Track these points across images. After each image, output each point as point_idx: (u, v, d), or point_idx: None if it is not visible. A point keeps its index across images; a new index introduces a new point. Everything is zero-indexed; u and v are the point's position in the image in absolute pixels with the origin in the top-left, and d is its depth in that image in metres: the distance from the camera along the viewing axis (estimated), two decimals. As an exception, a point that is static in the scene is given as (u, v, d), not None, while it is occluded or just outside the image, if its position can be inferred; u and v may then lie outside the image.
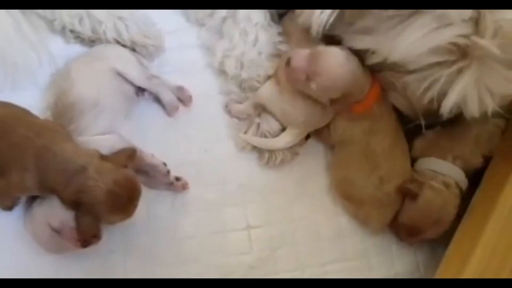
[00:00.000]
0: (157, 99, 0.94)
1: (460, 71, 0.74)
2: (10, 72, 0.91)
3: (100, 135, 0.85)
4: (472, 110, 0.77)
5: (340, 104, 0.86)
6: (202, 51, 0.99)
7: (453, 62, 0.74)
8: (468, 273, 0.78)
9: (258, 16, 0.93)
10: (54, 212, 0.79)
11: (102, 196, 0.77)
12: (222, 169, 0.95)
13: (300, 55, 0.85)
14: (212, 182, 0.93)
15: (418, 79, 0.78)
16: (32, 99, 0.90)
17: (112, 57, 0.90)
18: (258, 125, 0.94)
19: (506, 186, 0.83)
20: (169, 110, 0.94)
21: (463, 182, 0.91)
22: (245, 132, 0.93)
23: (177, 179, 0.89)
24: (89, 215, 0.77)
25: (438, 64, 0.75)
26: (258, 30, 0.93)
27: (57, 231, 0.80)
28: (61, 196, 0.78)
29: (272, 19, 0.96)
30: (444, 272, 0.85)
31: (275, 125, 0.94)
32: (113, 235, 0.86)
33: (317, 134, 0.95)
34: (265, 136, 0.93)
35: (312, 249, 0.93)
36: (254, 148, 0.94)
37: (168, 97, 0.93)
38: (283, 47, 0.95)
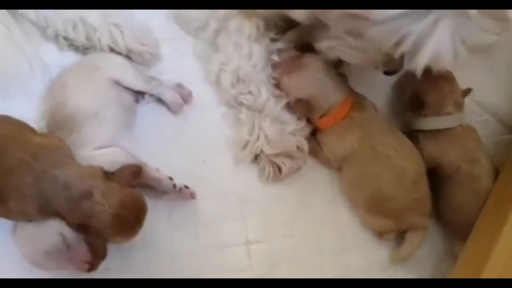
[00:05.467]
0: (159, 101, 0.93)
1: (436, 22, 0.69)
2: (3, 81, 0.90)
3: (101, 148, 0.83)
4: (445, 63, 0.72)
5: (303, 108, 0.91)
6: (198, 60, 0.98)
7: (426, 12, 0.69)
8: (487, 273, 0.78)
9: (249, 28, 0.93)
10: (45, 235, 0.77)
11: (109, 220, 0.76)
12: (221, 181, 0.93)
13: (289, 54, 0.94)
14: (210, 195, 0.91)
15: (387, 32, 0.72)
16: (24, 109, 0.88)
17: (107, 65, 0.89)
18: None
19: None
20: (174, 109, 0.94)
21: None
22: (245, 145, 0.92)
23: (186, 187, 0.88)
24: (98, 238, 0.76)
25: (408, 15, 0.69)
26: (251, 43, 0.93)
27: (55, 252, 0.77)
28: (66, 220, 0.76)
29: (268, 27, 0.95)
30: (462, 272, 0.85)
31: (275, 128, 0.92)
32: (108, 252, 0.82)
33: (320, 162, 0.94)
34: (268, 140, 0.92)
35: (314, 265, 0.92)
36: (254, 160, 0.93)
37: (170, 95, 0.93)
38: (277, 57, 0.94)
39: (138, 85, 0.90)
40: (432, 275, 0.94)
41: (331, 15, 0.77)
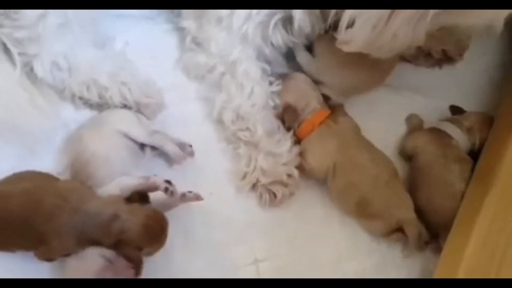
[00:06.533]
0: (163, 153, 1.02)
1: None
2: (28, 140, 0.99)
3: (112, 182, 0.94)
4: None
5: (289, 113, 1.03)
6: (201, 102, 1.09)
7: None
8: (464, 269, 0.85)
9: (254, 71, 1.03)
10: (89, 262, 0.87)
11: (139, 231, 0.86)
12: (226, 209, 1.03)
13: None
14: (219, 222, 1.01)
15: None
16: (50, 163, 1.00)
17: (115, 120, 0.99)
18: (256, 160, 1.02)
19: (492, 182, 0.91)
20: (175, 160, 1.02)
21: None
22: (244, 176, 1.02)
23: (189, 191, 0.95)
24: (133, 249, 0.86)
25: None
26: (254, 84, 1.02)
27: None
28: (103, 243, 0.86)
29: (264, 72, 1.05)
30: (441, 271, 0.91)
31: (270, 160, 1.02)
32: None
33: (306, 173, 1.04)
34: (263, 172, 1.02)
35: (316, 275, 1.00)
36: (252, 188, 1.03)
37: (171, 148, 1.01)
38: (274, 99, 1.05)
39: (142, 138, 0.99)
40: (421, 274, 1.01)
41: None
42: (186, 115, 1.08)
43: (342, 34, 0.88)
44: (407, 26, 0.81)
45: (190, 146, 1.03)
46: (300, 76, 1.06)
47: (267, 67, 1.05)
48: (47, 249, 0.88)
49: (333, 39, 0.91)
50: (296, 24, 0.97)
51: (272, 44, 1.01)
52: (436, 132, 1.05)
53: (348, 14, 0.85)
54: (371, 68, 1.02)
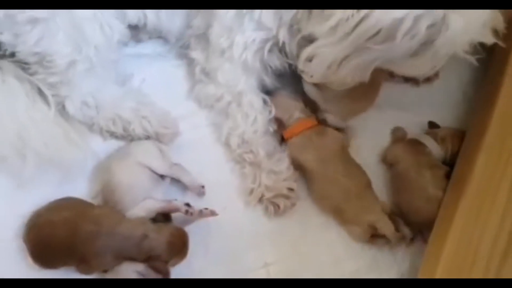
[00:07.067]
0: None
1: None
2: (64, 169, 1.10)
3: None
4: None
5: (277, 125, 1.17)
6: (210, 128, 1.20)
7: None
8: (442, 268, 0.92)
9: (257, 102, 1.14)
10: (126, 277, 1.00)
11: (165, 247, 0.98)
12: (237, 221, 1.14)
13: None
14: (232, 232, 1.12)
15: None
16: (83, 189, 1.11)
17: (139, 153, 1.10)
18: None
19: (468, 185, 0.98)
20: (193, 190, 1.13)
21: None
22: (251, 192, 1.14)
23: (205, 208, 1.06)
24: (161, 263, 0.99)
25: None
26: (257, 113, 1.14)
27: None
28: (136, 260, 0.98)
29: (265, 103, 1.16)
30: (424, 270, 0.99)
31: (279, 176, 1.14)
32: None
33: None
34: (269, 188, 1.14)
35: (318, 275, 1.10)
36: (259, 202, 1.14)
37: (188, 180, 1.12)
38: (273, 126, 1.17)
39: (162, 170, 1.09)
40: (409, 270, 1.10)
41: None
42: (198, 140, 1.19)
43: (301, 66, 1.00)
44: (354, 71, 0.95)
45: (203, 187, 1.13)
46: (282, 93, 1.18)
47: (267, 98, 1.16)
48: (88, 267, 1.00)
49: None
50: (287, 48, 1.06)
51: (270, 67, 1.12)
52: (412, 143, 1.15)
53: (307, 51, 0.97)
54: (364, 94, 1.15)
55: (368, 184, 1.13)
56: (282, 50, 1.09)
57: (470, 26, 0.86)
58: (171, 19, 1.16)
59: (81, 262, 1.00)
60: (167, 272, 1.00)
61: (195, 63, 1.18)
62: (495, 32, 0.91)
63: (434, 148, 1.14)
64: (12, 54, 1.07)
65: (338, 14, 0.87)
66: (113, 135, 1.16)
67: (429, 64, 0.93)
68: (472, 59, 0.92)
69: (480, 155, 1.01)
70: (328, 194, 1.12)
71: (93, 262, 0.99)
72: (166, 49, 1.27)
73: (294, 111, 1.16)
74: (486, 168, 1.00)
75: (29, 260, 1.03)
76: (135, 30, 1.21)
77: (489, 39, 0.90)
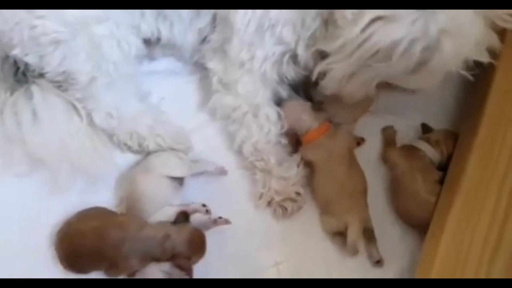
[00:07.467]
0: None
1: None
2: (91, 179, 1.17)
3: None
4: None
5: (288, 136, 1.24)
6: (221, 138, 1.27)
7: None
8: (438, 262, 0.96)
9: (272, 115, 1.20)
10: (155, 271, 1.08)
11: (186, 245, 1.05)
12: (248, 223, 1.21)
13: None
14: (244, 235, 1.19)
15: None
16: (106, 198, 1.18)
17: (159, 166, 1.17)
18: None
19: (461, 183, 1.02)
20: (219, 173, 1.20)
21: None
22: (261, 196, 1.22)
23: (220, 217, 1.13)
24: (183, 260, 1.06)
25: None
26: (271, 125, 1.20)
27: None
28: (161, 260, 1.05)
29: (279, 116, 1.22)
30: (421, 267, 1.03)
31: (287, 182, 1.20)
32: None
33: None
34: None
35: (325, 271, 1.17)
36: (268, 205, 1.21)
37: (211, 166, 1.21)
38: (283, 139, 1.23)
39: (183, 174, 1.17)
40: (408, 267, 1.16)
41: None
42: (210, 150, 1.26)
43: (315, 79, 1.07)
44: (361, 85, 1.04)
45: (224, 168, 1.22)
46: (290, 105, 1.23)
47: (281, 112, 1.22)
48: (117, 270, 1.07)
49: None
50: (301, 60, 1.12)
51: (286, 78, 1.17)
52: (407, 148, 1.21)
53: (321, 67, 1.04)
54: (363, 101, 1.16)
55: (364, 191, 1.19)
56: (296, 61, 1.14)
57: (463, 47, 0.93)
58: (183, 34, 1.21)
59: (111, 266, 1.07)
60: (190, 268, 1.07)
61: (211, 73, 1.21)
62: (490, 50, 0.97)
63: (430, 152, 1.19)
64: (42, 74, 1.14)
65: (346, 34, 0.95)
66: (129, 148, 1.22)
67: (427, 80, 1.01)
68: (467, 75, 0.99)
69: (471, 155, 1.05)
70: (325, 185, 1.18)
71: (122, 266, 1.06)
72: (178, 65, 1.33)
73: (304, 122, 1.22)
74: (477, 168, 1.04)
75: (59, 266, 1.11)
76: (149, 47, 1.26)
77: (484, 58, 0.97)
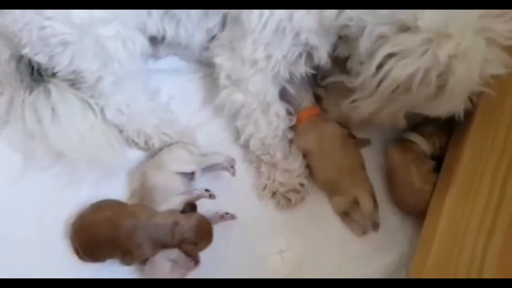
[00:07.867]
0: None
1: None
2: (104, 172, 1.21)
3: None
4: None
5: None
6: (225, 133, 1.30)
7: None
8: (435, 249, 0.99)
9: (282, 111, 1.23)
10: (160, 266, 1.12)
11: (194, 230, 1.10)
12: (253, 213, 1.25)
13: None
14: (250, 224, 1.23)
15: None
16: (118, 191, 1.22)
17: (170, 162, 1.19)
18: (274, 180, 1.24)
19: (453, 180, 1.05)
20: (227, 163, 1.21)
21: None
22: (265, 188, 1.25)
23: (226, 213, 1.17)
24: (191, 247, 1.11)
25: None
26: (279, 121, 1.23)
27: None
28: (170, 246, 1.10)
29: (288, 112, 1.26)
30: (419, 254, 1.06)
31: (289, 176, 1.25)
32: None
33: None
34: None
35: (327, 259, 1.23)
36: (272, 196, 1.25)
37: (221, 158, 1.21)
38: (290, 134, 1.28)
39: (193, 169, 1.19)
40: (408, 253, 1.21)
41: None
42: (215, 145, 1.28)
43: (346, 106, 1.13)
44: (389, 117, 1.10)
45: (233, 159, 1.23)
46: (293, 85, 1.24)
47: (290, 108, 1.26)
48: (131, 257, 1.11)
49: (338, 93, 1.17)
50: (316, 59, 1.14)
51: (296, 77, 1.19)
52: (401, 141, 1.23)
53: (346, 105, 1.11)
54: None
55: (362, 166, 1.24)
56: (309, 60, 1.17)
57: (473, 66, 0.97)
58: (190, 33, 1.22)
59: (125, 253, 1.11)
60: (197, 256, 1.12)
61: (219, 69, 1.21)
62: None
63: (423, 144, 1.22)
64: (54, 74, 1.17)
65: (364, 71, 1.02)
66: (137, 145, 1.25)
67: (451, 103, 1.04)
68: (490, 91, 1.02)
69: (466, 143, 1.08)
70: (324, 167, 1.23)
71: (135, 253, 1.10)
72: (182, 64, 1.36)
73: (302, 100, 1.26)
74: (472, 156, 1.07)
75: (75, 256, 1.15)
76: (154, 46, 1.29)
77: (499, 70, 0.99)
